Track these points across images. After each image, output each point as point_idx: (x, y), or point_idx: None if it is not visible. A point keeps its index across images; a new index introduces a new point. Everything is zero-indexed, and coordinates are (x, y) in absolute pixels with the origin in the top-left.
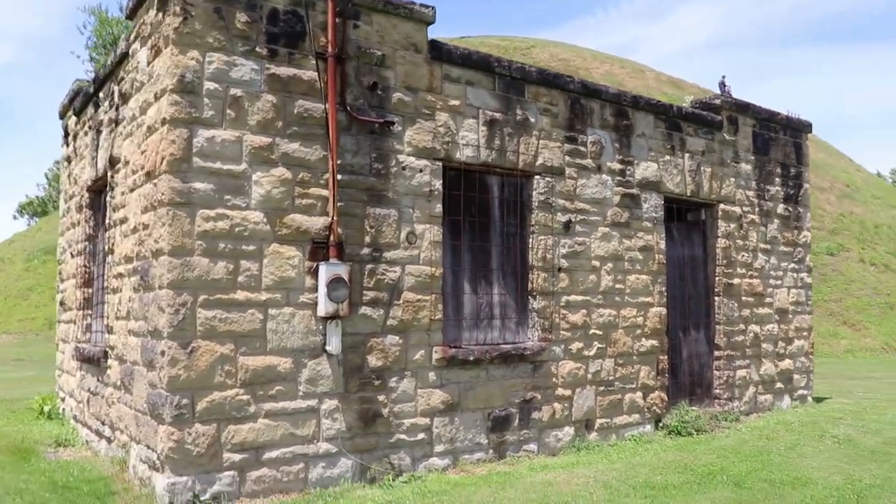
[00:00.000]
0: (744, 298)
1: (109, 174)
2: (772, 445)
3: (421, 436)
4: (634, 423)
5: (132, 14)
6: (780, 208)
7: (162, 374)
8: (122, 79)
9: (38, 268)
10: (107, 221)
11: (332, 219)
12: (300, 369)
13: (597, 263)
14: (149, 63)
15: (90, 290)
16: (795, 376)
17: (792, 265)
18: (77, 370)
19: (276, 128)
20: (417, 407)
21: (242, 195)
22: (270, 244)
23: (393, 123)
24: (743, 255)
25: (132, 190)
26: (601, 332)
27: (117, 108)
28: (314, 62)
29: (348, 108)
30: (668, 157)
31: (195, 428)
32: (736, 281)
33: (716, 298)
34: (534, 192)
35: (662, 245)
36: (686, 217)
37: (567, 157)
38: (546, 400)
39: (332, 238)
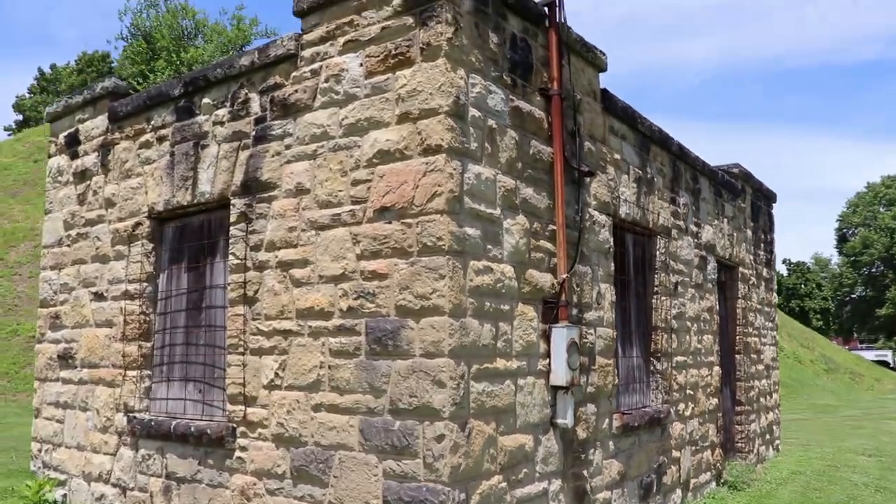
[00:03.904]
0: (752, 356)
1: (244, 202)
2: (833, 497)
3: None
4: (706, 481)
5: (316, 8)
6: (764, 272)
7: (441, 464)
8: (279, 86)
9: None
10: (236, 262)
11: (565, 275)
12: (537, 447)
13: (689, 324)
14: (370, 74)
15: (148, 345)
16: (774, 428)
17: (769, 324)
18: (120, 447)
19: (517, 169)
20: (604, 480)
21: (498, 245)
22: (518, 303)
23: (594, 174)
24: (750, 315)
25: (322, 228)
26: (692, 392)
27: (261, 121)
28: (539, 99)
29: (564, 153)
30: (716, 222)
31: None
32: (750, 339)
33: (737, 356)
34: (656, 252)
35: (717, 306)
36: None
37: (672, 219)
38: (669, 463)
39: (563, 297)
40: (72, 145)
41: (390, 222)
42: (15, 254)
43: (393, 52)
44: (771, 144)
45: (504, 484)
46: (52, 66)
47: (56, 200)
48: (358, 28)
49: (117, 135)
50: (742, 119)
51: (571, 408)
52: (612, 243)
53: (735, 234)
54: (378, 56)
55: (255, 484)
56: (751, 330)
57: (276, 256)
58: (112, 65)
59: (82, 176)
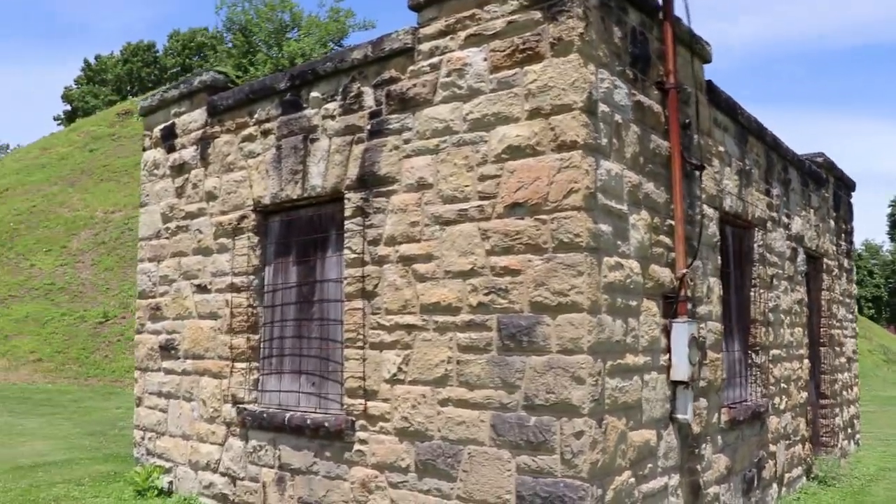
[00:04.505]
0: (835, 348)
1: (360, 196)
2: None
3: None
4: (797, 475)
5: (434, 1)
6: (845, 262)
7: (580, 460)
8: (395, 80)
9: None
10: (353, 256)
11: (684, 270)
12: (659, 442)
13: (783, 317)
14: (495, 69)
15: (256, 337)
16: (854, 421)
17: (850, 315)
18: (228, 437)
19: (639, 164)
20: (714, 475)
21: (626, 241)
22: (643, 299)
23: (704, 168)
24: (833, 307)
25: (447, 223)
26: (785, 386)
27: (376, 115)
28: (656, 92)
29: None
30: (803, 213)
31: None
32: (833, 331)
33: (821, 348)
34: (754, 245)
35: (806, 298)
36: None
37: (767, 210)
38: (767, 457)
39: (682, 292)
40: (168, 139)
41: (522, 218)
42: (77, 242)
43: (520, 46)
44: (813, 128)
45: (633, 479)
46: (97, 57)
47: (152, 193)
48: (480, 22)
49: (217, 128)
50: (781, 102)
51: (691, 403)
52: (718, 237)
53: (820, 225)
54: (504, 51)
55: (376, 477)
56: (834, 322)
57: (397, 251)
58: (157, 54)
59: (180, 169)
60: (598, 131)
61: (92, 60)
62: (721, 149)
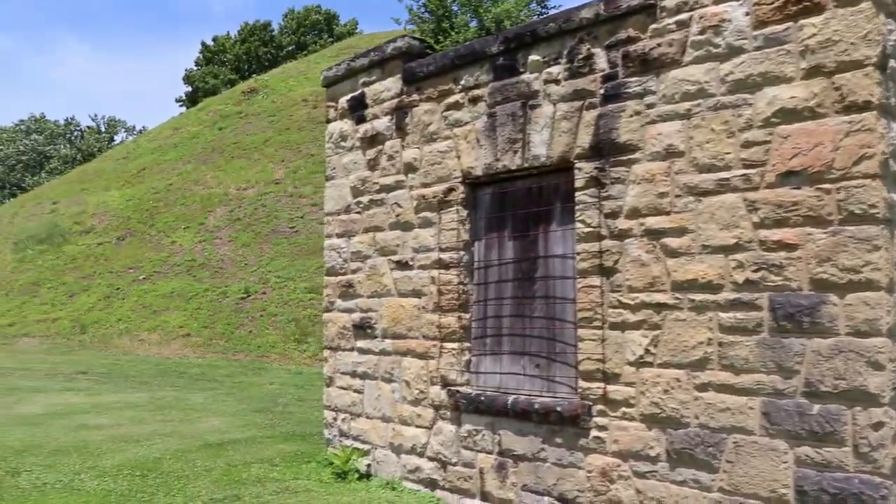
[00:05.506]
0: None
1: (593, 165)
2: None
3: None
4: None
5: None
6: None
7: (880, 454)
8: (633, 40)
9: (34, 258)
10: (587, 230)
11: None
12: None
13: None
14: (760, 24)
15: (467, 316)
16: None
17: None
18: (437, 420)
19: None
20: None
21: None
22: None
23: None
24: None
25: (703, 194)
26: None
27: (610, 78)
28: None
29: None
30: None
31: None
32: None
33: None
34: None
35: None
36: None
37: None
38: None
39: None
40: (357, 109)
41: (799, 188)
42: (213, 218)
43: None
44: None
45: None
46: (215, 39)
47: (339, 166)
48: None
49: (415, 97)
50: None
51: None
52: None
53: None
54: (772, 3)
55: (619, 465)
56: None
57: (642, 224)
58: (272, 33)
59: (372, 141)
60: (889, 90)
61: (209, 42)
62: None
